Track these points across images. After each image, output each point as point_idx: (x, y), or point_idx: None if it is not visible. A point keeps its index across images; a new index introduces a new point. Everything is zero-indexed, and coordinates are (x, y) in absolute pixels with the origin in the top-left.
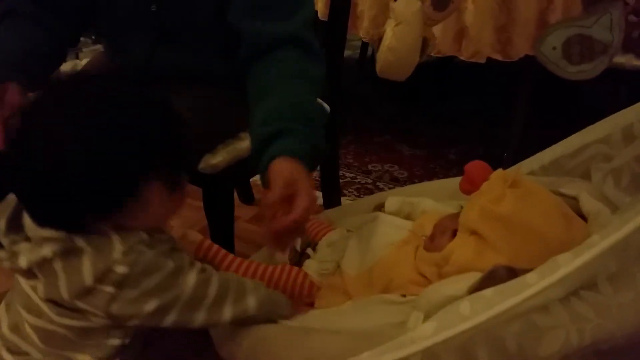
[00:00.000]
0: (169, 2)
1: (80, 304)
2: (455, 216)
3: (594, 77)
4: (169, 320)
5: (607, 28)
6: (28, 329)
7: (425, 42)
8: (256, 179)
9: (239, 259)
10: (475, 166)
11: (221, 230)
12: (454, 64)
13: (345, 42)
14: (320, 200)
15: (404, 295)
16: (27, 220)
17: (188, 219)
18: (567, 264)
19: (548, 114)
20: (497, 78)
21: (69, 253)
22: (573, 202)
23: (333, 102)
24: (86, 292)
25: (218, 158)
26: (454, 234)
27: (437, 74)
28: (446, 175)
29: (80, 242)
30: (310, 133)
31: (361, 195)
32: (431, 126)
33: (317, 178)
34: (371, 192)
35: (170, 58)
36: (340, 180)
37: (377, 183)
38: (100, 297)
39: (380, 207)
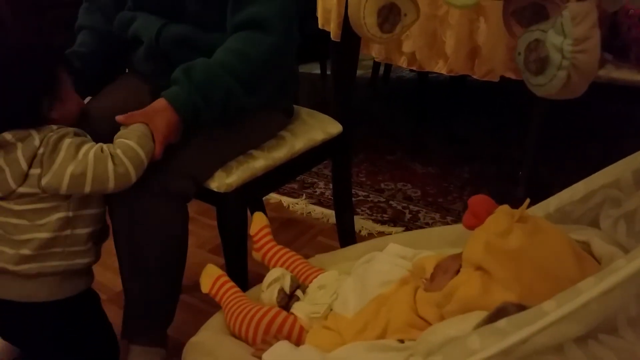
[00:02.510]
0: None
1: (23, 189)
2: (458, 256)
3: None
4: (88, 184)
5: (560, 33)
6: None
7: (393, 9)
8: (269, 197)
9: (234, 299)
10: (479, 200)
11: (234, 248)
12: (468, 82)
13: (357, 62)
14: (332, 219)
15: (402, 341)
16: None
17: (202, 237)
18: (589, 290)
19: (562, 133)
20: (510, 96)
21: (5, 147)
22: (584, 247)
23: (345, 121)
24: (25, 177)
25: (232, 177)
26: (457, 273)
27: (451, 92)
28: (460, 194)
29: (9, 137)
30: (195, 93)
31: (374, 214)
32: (444, 144)
33: (330, 197)
34: (384, 211)
35: (178, 33)
36: (353, 199)
37: (390, 202)
38: (33, 179)
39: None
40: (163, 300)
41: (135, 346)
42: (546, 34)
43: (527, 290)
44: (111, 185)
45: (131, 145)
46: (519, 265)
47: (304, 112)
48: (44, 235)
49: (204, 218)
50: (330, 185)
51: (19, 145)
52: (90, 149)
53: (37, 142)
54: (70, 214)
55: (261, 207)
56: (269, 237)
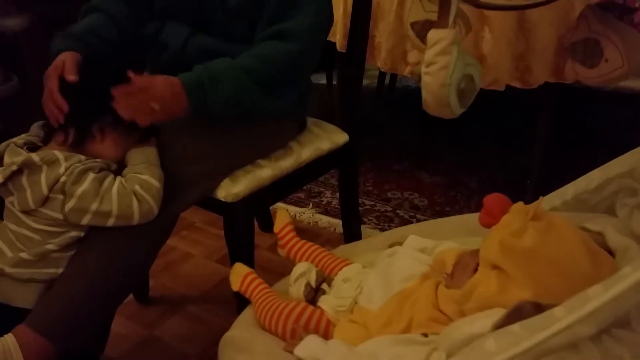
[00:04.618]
0: None
1: (44, 210)
2: (476, 252)
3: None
4: (112, 220)
5: None
6: (12, 237)
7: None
8: (276, 206)
9: (263, 295)
10: (494, 198)
11: (241, 258)
12: None
13: (363, 72)
14: (339, 229)
15: (426, 335)
16: (6, 157)
17: (209, 247)
18: (597, 297)
19: (570, 141)
20: (517, 104)
21: (30, 168)
22: (599, 238)
23: (352, 130)
24: (45, 200)
25: (239, 187)
26: (476, 270)
27: None
28: (467, 203)
29: (36, 158)
30: (205, 74)
31: (381, 224)
32: (451, 153)
33: (337, 206)
34: (391, 220)
35: (204, 43)
36: (360, 208)
37: (397, 211)
38: (55, 202)
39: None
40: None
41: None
42: None
43: (542, 288)
44: (135, 221)
45: (146, 179)
46: (534, 264)
47: (311, 121)
48: (50, 247)
49: (210, 228)
50: (337, 195)
51: (44, 168)
52: (112, 185)
53: (62, 169)
54: (82, 234)
55: (267, 216)
56: (293, 233)
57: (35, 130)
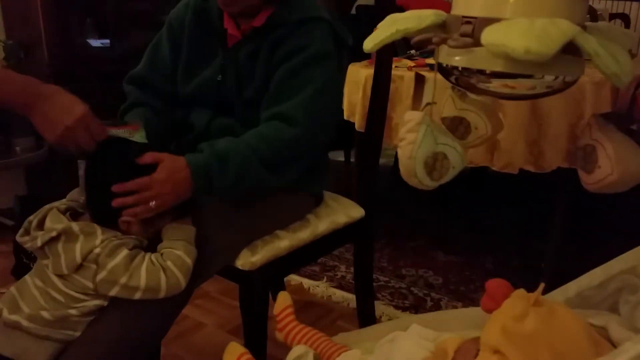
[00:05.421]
0: (230, 74)
1: (76, 277)
2: (477, 339)
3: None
4: (139, 293)
5: None
6: (35, 293)
7: (463, 121)
8: (289, 279)
9: None
10: (496, 283)
11: (255, 328)
12: (490, 172)
13: (380, 152)
14: (353, 304)
15: None
16: (47, 222)
17: (222, 317)
18: None
19: (587, 224)
20: (534, 187)
21: (68, 236)
22: (602, 332)
23: (368, 205)
24: (78, 267)
25: (257, 256)
26: (475, 357)
27: (473, 181)
28: (482, 284)
29: (76, 228)
30: (213, 157)
31: (395, 300)
32: (467, 233)
33: (351, 280)
34: (405, 297)
35: (225, 124)
36: (374, 284)
37: (412, 288)
38: (88, 271)
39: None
40: None
41: None
42: None
43: None
44: (162, 294)
45: (180, 255)
46: (535, 349)
47: (328, 195)
48: (73, 312)
49: (225, 297)
50: (352, 269)
51: (81, 238)
52: (142, 262)
53: (98, 241)
54: (106, 303)
55: (281, 288)
56: (292, 316)
57: (75, 196)
